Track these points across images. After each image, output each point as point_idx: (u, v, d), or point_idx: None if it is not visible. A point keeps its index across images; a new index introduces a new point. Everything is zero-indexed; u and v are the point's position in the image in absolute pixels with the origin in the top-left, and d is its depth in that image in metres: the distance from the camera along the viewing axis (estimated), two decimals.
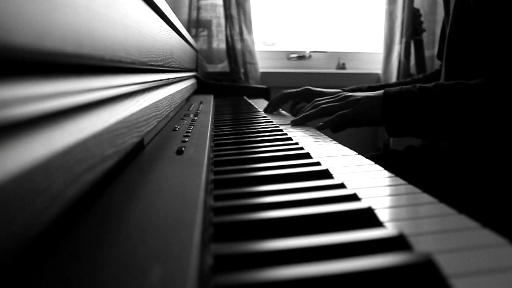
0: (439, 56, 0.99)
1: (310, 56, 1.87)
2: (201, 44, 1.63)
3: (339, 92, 0.85)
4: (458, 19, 0.75)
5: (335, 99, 0.76)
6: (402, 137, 0.69)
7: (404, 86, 0.69)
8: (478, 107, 0.62)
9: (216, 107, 1.06)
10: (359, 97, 0.73)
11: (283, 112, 0.98)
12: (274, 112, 0.96)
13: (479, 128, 0.63)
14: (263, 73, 1.70)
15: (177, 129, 0.57)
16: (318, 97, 0.84)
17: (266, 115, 0.85)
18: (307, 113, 0.77)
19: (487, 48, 0.68)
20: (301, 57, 1.86)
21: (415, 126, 0.66)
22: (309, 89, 0.94)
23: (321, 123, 0.73)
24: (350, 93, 0.76)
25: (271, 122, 0.75)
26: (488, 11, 0.67)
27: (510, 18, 0.63)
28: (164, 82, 0.59)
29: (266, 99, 1.40)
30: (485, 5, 0.68)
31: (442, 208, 0.31)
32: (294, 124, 0.77)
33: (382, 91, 0.70)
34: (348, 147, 0.54)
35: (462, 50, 0.74)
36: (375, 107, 0.69)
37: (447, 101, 0.64)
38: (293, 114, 0.92)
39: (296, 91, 0.94)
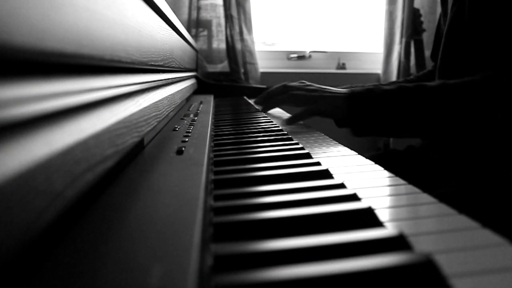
0: (433, 56, 1.00)
1: (310, 56, 1.87)
2: (201, 44, 1.63)
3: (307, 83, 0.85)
4: (455, 21, 0.75)
5: (304, 89, 0.78)
6: (365, 136, 0.72)
7: (368, 88, 0.72)
8: (435, 109, 0.65)
9: (216, 107, 1.06)
10: (326, 94, 0.75)
11: (283, 112, 0.98)
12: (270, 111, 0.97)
13: (439, 127, 0.66)
14: (263, 73, 1.70)
15: (177, 129, 0.57)
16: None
17: (266, 115, 0.85)
18: (275, 98, 0.81)
19: (483, 50, 0.68)
20: (301, 57, 1.86)
21: (376, 127, 0.70)
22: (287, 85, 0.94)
23: (289, 117, 0.77)
24: (320, 87, 0.78)
25: (271, 122, 0.75)
26: (484, 13, 0.68)
27: (506, 20, 0.64)
28: (164, 82, 0.59)
29: None
30: (480, 7, 0.68)
31: (442, 208, 0.31)
32: (265, 110, 0.83)
33: (347, 90, 0.73)
34: (348, 147, 0.54)
35: (457, 51, 0.75)
36: (341, 106, 0.72)
37: (407, 104, 0.67)
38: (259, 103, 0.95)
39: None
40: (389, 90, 0.69)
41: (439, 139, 0.76)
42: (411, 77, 1.09)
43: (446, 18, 0.82)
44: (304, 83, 0.82)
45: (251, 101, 1.20)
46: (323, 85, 0.79)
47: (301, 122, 0.85)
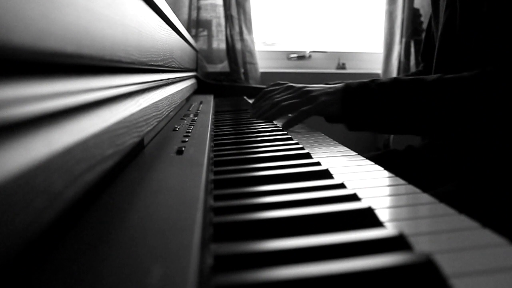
0: (423, 57, 1.00)
1: (310, 56, 1.87)
2: (201, 44, 1.63)
3: (290, 85, 0.83)
4: (448, 24, 0.75)
5: (293, 94, 0.76)
6: (360, 131, 0.71)
7: (363, 81, 0.70)
8: (434, 102, 0.64)
9: (216, 107, 1.06)
10: (318, 92, 0.73)
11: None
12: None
13: (435, 123, 0.65)
14: (263, 73, 1.70)
15: (177, 129, 0.57)
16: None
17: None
18: (269, 112, 0.76)
19: (478, 53, 0.68)
20: (301, 57, 1.86)
21: (372, 121, 0.68)
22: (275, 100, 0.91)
23: (285, 122, 0.73)
24: (307, 88, 0.76)
25: (271, 122, 0.75)
26: (474, 17, 0.67)
27: (501, 20, 0.63)
28: (164, 82, 0.59)
29: None
30: (471, 11, 0.68)
31: (442, 208, 0.31)
32: (260, 117, 0.78)
33: (342, 85, 0.71)
34: (348, 147, 0.54)
35: (453, 55, 0.75)
36: (336, 101, 0.70)
37: (403, 97, 0.66)
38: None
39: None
40: (384, 82, 0.68)
41: (436, 135, 0.74)
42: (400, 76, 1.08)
43: (438, 20, 0.82)
44: (287, 85, 0.80)
45: (251, 101, 1.20)
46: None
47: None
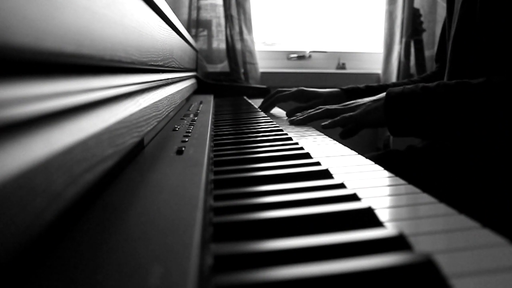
0: (438, 57, 0.99)
1: (310, 56, 1.87)
2: (201, 44, 1.63)
3: (338, 91, 0.85)
4: (464, 21, 0.74)
5: (339, 106, 0.78)
6: (405, 136, 0.69)
7: (407, 86, 0.68)
8: (481, 106, 0.61)
9: (216, 107, 1.06)
10: (363, 102, 0.74)
11: (283, 112, 0.98)
12: (271, 112, 0.97)
13: (483, 128, 0.62)
14: (263, 73, 1.70)
15: (177, 129, 0.57)
16: (311, 97, 0.87)
17: (266, 115, 0.85)
18: (311, 113, 0.79)
19: (494, 50, 0.67)
20: (301, 57, 1.86)
21: (417, 126, 0.66)
22: (302, 89, 0.95)
23: (325, 123, 0.74)
24: (356, 100, 0.77)
25: (271, 122, 0.75)
26: (496, 12, 0.66)
27: None
28: (164, 82, 0.59)
29: None
30: (492, 6, 0.67)
31: (442, 208, 0.31)
32: (296, 123, 0.79)
33: (385, 93, 0.70)
34: (348, 147, 0.54)
35: (468, 52, 0.73)
36: (378, 108, 0.69)
37: (450, 100, 0.63)
38: (289, 116, 0.92)
39: (290, 93, 0.95)
40: (428, 86, 0.65)
41: (480, 141, 0.69)
42: (416, 78, 1.07)
43: (451, 19, 0.81)
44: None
45: (251, 101, 1.20)
46: (323, 85, 0.80)
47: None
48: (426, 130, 0.66)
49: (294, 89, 0.96)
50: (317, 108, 0.81)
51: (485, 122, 0.61)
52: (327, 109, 0.77)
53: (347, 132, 0.77)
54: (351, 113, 0.72)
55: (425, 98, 0.65)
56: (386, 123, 0.68)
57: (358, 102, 0.75)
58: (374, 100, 0.72)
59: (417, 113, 0.65)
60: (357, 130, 0.77)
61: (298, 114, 0.85)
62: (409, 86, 0.68)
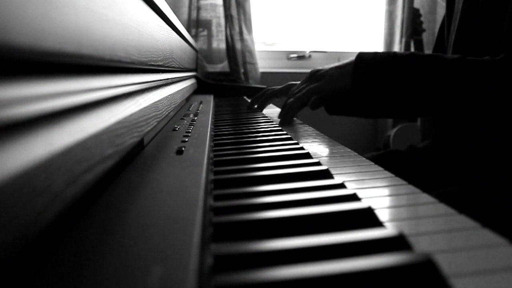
0: None
1: (310, 56, 1.88)
2: (201, 44, 1.63)
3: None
4: (466, 19, 0.73)
5: (304, 80, 0.75)
6: (370, 115, 0.66)
7: (379, 52, 0.67)
8: (451, 81, 0.60)
9: (216, 107, 1.06)
10: (327, 68, 0.72)
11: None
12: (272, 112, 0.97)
13: (450, 103, 0.61)
14: (263, 73, 1.70)
15: (177, 129, 0.57)
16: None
17: (266, 115, 0.85)
18: (287, 109, 0.76)
19: (496, 48, 0.66)
20: (301, 57, 1.86)
21: (384, 94, 0.64)
22: (292, 84, 0.93)
23: (290, 100, 0.72)
24: (319, 68, 0.74)
25: (271, 122, 0.75)
26: (497, 10, 0.66)
27: None
28: (164, 82, 0.59)
29: None
30: (493, 4, 0.66)
31: (442, 208, 0.31)
32: (282, 124, 0.77)
33: (353, 58, 0.68)
34: (348, 147, 0.54)
35: (470, 50, 0.73)
36: (345, 75, 0.67)
37: (420, 72, 0.62)
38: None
39: (279, 88, 0.91)
40: (401, 55, 0.64)
41: (446, 115, 0.69)
42: None
43: (451, 17, 0.81)
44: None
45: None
46: None
47: (299, 121, 0.85)
48: (391, 101, 0.64)
49: (284, 84, 0.94)
50: (288, 97, 0.77)
51: (453, 98, 0.61)
52: (298, 97, 0.73)
53: (314, 102, 0.72)
54: (316, 84, 0.70)
55: (396, 66, 0.63)
56: (352, 88, 0.66)
57: (324, 69, 0.72)
58: (341, 67, 0.69)
59: (386, 81, 0.63)
60: (322, 100, 0.73)
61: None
62: (381, 52, 0.67)
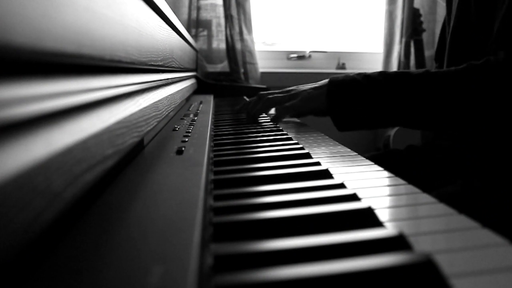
0: (437, 57, 0.99)
1: (310, 56, 1.87)
2: (201, 44, 1.63)
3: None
4: (461, 20, 0.74)
5: (279, 92, 0.78)
6: (348, 128, 0.69)
7: (349, 75, 0.70)
8: (419, 96, 0.64)
9: (216, 107, 1.06)
10: (303, 88, 0.74)
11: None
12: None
13: (422, 117, 0.65)
14: (263, 73, 1.70)
15: (177, 129, 0.57)
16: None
17: (266, 115, 0.85)
18: (256, 108, 0.77)
19: (490, 48, 0.67)
20: (301, 57, 1.86)
21: (360, 114, 0.67)
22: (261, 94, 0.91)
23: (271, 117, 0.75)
24: (295, 87, 0.77)
25: (271, 122, 0.75)
26: (490, 11, 0.67)
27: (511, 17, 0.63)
28: (164, 82, 0.59)
29: None
30: (486, 5, 0.67)
31: (442, 208, 0.31)
32: (248, 122, 0.78)
33: (327, 80, 0.71)
34: (348, 147, 0.54)
35: (465, 51, 0.74)
36: (319, 96, 0.70)
37: (389, 89, 0.65)
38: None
39: (281, 97, 0.90)
40: (370, 75, 0.68)
41: (424, 128, 0.73)
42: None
43: (450, 17, 0.82)
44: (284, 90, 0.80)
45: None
46: None
47: (298, 120, 0.85)
48: (367, 118, 0.68)
49: (279, 91, 0.91)
50: (257, 98, 0.79)
51: (424, 112, 0.64)
52: (268, 99, 0.76)
53: (277, 117, 0.76)
54: (292, 102, 0.72)
55: (367, 86, 0.66)
56: (328, 111, 0.69)
57: (299, 88, 0.75)
58: (316, 88, 0.72)
59: (358, 100, 0.67)
60: (295, 116, 0.76)
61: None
62: (351, 75, 0.70)
